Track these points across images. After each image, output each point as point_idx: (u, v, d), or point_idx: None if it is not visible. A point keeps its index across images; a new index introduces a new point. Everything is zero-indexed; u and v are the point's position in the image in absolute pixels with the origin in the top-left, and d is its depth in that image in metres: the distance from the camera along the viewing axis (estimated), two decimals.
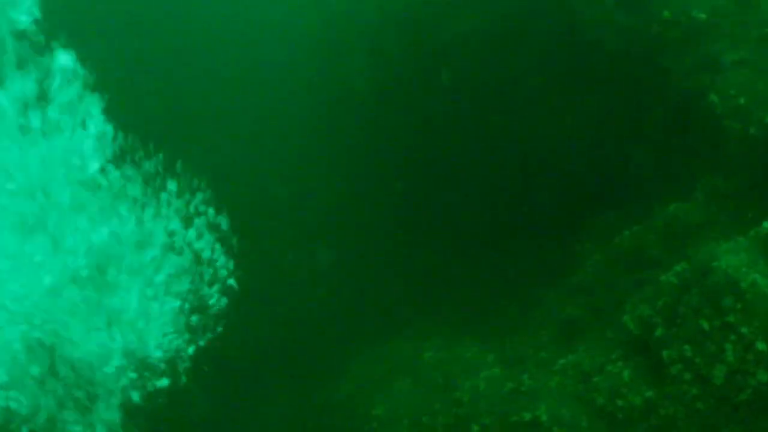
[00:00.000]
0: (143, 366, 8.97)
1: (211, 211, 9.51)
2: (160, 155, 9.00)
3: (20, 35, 7.98)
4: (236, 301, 9.78)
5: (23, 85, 8.04)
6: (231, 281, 9.66)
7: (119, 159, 8.70)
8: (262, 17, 14.19)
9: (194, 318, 9.48)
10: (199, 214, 9.50)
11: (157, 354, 9.14)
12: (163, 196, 9.20)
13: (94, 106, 8.41)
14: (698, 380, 7.84)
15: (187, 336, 9.32)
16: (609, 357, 8.79)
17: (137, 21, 13.73)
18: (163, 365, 9.10)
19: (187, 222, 9.41)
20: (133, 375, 8.88)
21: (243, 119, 13.64)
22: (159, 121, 12.08)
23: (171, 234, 9.31)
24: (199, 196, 9.44)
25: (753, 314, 7.43)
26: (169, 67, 13.85)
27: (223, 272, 9.70)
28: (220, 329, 9.61)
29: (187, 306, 9.35)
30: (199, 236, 9.52)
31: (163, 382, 9.00)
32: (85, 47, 8.08)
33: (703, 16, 9.68)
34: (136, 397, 8.86)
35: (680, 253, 8.85)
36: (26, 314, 8.34)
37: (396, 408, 10.14)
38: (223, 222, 9.57)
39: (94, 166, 8.52)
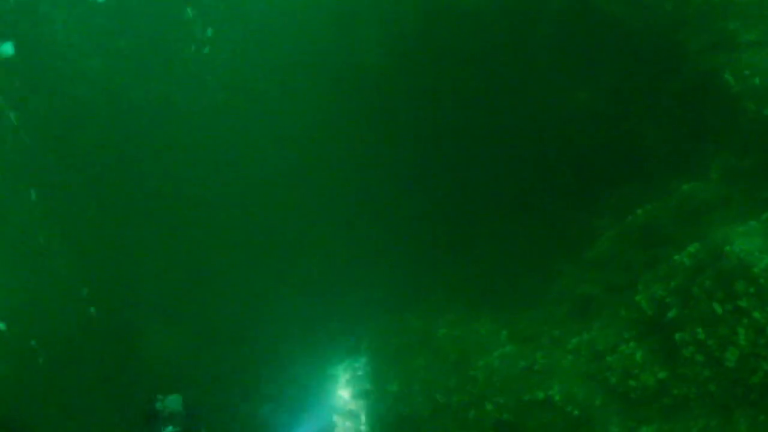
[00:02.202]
0: None
1: None
2: None
3: None
4: None
5: None
6: None
7: None
8: None
9: None
10: None
11: None
12: None
13: None
14: (711, 362, 7.88)
15: None
16: (622, 336, 8.84)
17: None
18: None
19: None
20: None
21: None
22: None
23: None
24: None
25: (765, 299, 7.45)
26: None
27: None
28: None
29: None
30: None
31: None
32: None
33: None
34: None
35: (694, 233, 8.84)
36: None
37: (411, 384, 10.27)
38: None
39: None
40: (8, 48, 10.80)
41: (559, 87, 10.91)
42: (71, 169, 13.18)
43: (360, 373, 11.12)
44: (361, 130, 12.75)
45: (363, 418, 10.59)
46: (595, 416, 8.58)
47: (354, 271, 12.36)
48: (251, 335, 12.13)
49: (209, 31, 13.42)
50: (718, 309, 7.79)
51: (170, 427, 5.85)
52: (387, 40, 12.72)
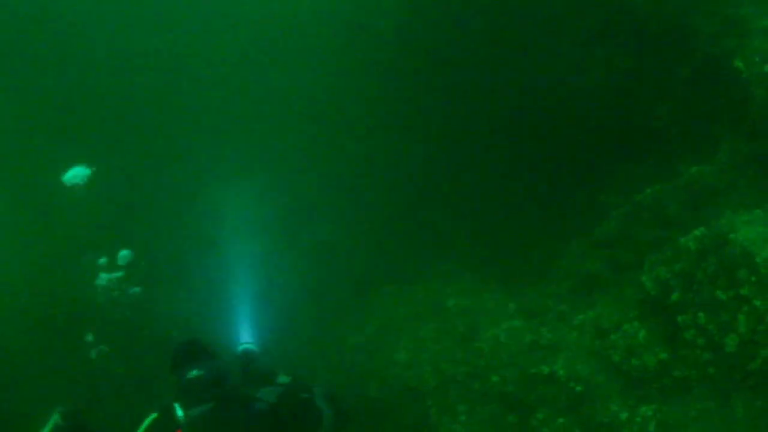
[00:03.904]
0: None
1: None
2: None
3: None
4: None
5: None
6: None
7: None
8: None
9: None
10: None
11: None
12: None
13: None
14: (711, 346, 8.07)
15: None
16: (626, 315, 9.03)
17: None
18: None
19: None
20: None
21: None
22: None
23: None
24: None
25: (766, 288, 7.61)
26: None
27: None
28: None
29: None
30: None
31: None
32: None
33: None
34: None
35: (700, 216, 8.99)
36: None
37: (418, 354, 10.49)
38: None
39: None
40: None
41: (573, 65, 10.96)
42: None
43: (369, 341, 11.33)
44: (372, 96, 12.79)
45: (371, 384, 10.80)
46: (597, 393, 8.80)
47: (364, 238, 12.49)
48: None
49: None
50: (720, 295, 7.97)
51: None
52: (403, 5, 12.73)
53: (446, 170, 12.28)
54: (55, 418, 5.90)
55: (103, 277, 10.43)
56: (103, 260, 10.75)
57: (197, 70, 13.95)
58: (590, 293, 9.80)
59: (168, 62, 14.10)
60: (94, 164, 11.25)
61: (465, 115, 12.07)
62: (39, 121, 13.20)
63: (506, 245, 11.61)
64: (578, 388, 8.82)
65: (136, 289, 10.73)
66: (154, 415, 5.78)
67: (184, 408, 5.77)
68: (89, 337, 10.92)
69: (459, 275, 11.69)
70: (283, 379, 6.66)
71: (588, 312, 9.39)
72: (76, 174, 10.64)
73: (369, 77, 12.96)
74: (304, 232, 12.90)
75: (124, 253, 9.91)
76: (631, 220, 9.99)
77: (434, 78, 12.20)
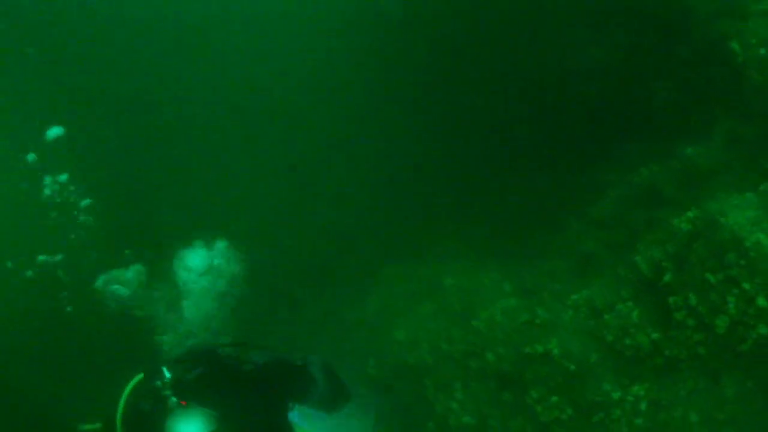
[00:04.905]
0: None
1: None
2: None
3: None
4: None
5: None
6: None
7: None
8: None
9: None
10: None
11: None
12: None
13: None
14: (701, 327, 8.19)
15: None
16: (620, 295, 9.13)
17: None
18: None
19: None
20: None
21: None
22: None
23: None
24: None
25: (755, 271, 7.70)
26: None
27: None
28: None
29: None
30: None
31: None
32: None
33: None
34: None
35: (693, 197, 9.06)
36: None
37: (416, 332, 10.61)
38: None
39: None
40: None
41: (571, 46, 10.97)
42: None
43: (368, 320, 11.47)
44: (370, 76, 12.79)
45: (371, 362, 10.95)
46: (591, 372, 8.93)
47: (365, 219, 12.57)
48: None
49: None
50: (711, 277, 8.06)
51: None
52: None
53: (445, 150, 12.29)
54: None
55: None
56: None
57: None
58: (585, 273, 9.87)
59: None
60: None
61: (463, 96, 12.07)
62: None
63: (504, 225, 11.67)
64: (572, 367, 8.93)
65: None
66: (139, 376, 5.76)
67: (172, 371, 5.72)
68: None
69: (457, 255, 11.76)
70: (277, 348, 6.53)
71: (582, 291, 9.48)
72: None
73: (367, 57, 12.94)
74: (307, 213, 12.95)
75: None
76: (627, 200, 10.06)
77: (430, 58, 12.17)
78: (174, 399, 5.59)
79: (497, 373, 9.49)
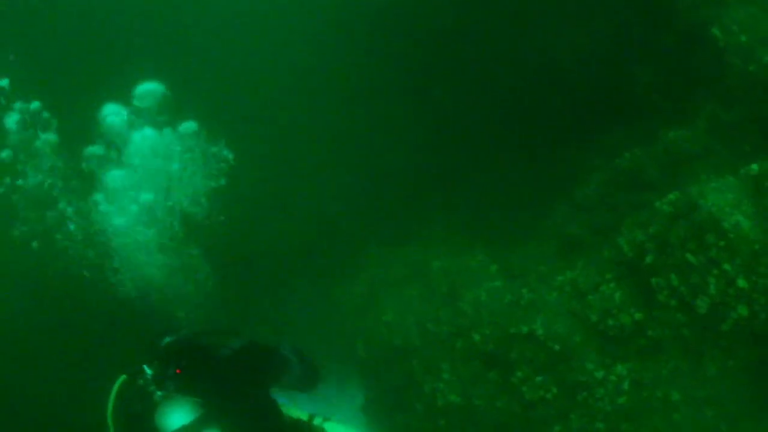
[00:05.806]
0: None
1: None
2: None
3: None
4: None
5: None
6: None
7: None
8: None
9: None
10: None
11: None
12: None
13: None
14: (683, 308, 8.36)
15: None
16: (604, 277, 9.27)
17: None
18: None
19: None
20: None
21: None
22: None
23: None
24: None
25: (735, 252, 7.87)
26: None
27: None
28: None
29: None
30: None
31: None
32: None
33: None
34: None
35: (675, 181, 9.23)
36: None
37: (404, 314, 10.77)
38: None
39: None
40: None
41: (556, 33, 11.10)
42: None
43: (357, 302, 11.60)
44: (360, 62, 12.85)
45: (360, 344, 11.10)
46: (575, 352, 9.10)
47: (354, 202, 12.68)
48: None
49: None
50: (691, 258, 8.23)
51: None
52: None
53: (432, 135, 12.39)
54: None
55: None
56: None
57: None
58: (570, 255, 10.02)
59: None
60: None
61: (450, 82, 12.18)
62: None
63: (490, 209, 11.81)
64: (556, 347, 9.10)
65: None
66: (122, 378, 5.94)
67: (153, 368, 5.88)
68: None
69: (444, 238, 11.91)
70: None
71: (567, 273, 9.61)
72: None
73: (356, 47, 12.98)
74: (294, 197, 13.03)
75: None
76: (611, 183, 10.21)
77: (418, 48, 12.25)
78: (159, 393, 5.78)
79: (483, 354, 9.64)
